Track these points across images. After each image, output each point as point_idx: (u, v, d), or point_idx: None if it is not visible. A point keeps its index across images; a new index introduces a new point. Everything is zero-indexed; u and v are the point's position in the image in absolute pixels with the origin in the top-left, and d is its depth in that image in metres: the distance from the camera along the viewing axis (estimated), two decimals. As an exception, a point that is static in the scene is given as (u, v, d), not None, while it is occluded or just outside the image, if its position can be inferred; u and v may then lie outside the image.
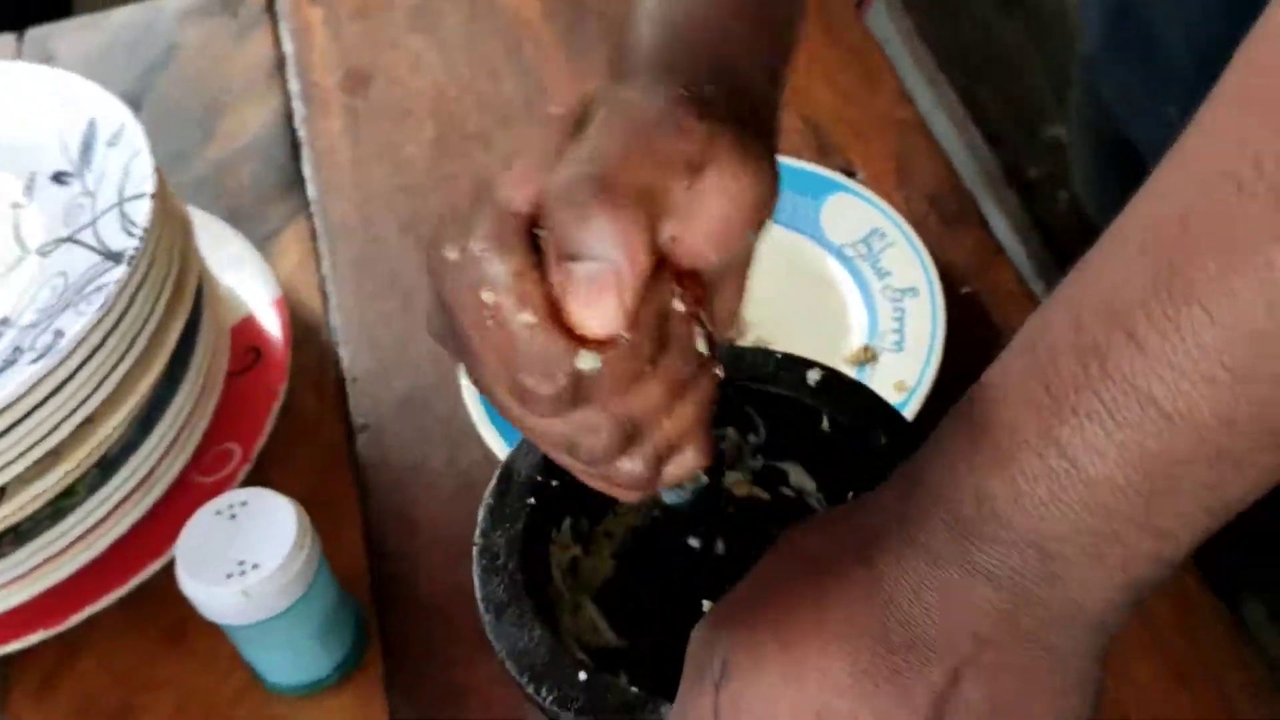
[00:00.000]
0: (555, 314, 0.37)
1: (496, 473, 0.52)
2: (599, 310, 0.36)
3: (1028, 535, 0.38)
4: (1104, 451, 0.36)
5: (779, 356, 0.54)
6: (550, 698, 0.46)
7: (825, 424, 0.53)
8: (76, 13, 1.14)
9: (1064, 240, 1.84)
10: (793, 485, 0.57)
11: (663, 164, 0.37)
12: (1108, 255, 0.38)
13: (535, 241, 0.38)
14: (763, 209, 0.40)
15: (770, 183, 0.40)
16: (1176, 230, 0.36)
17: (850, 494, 0.55)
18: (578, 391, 0.37)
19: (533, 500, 0.52)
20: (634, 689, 0.46)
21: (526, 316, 0.37)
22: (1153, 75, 0.72)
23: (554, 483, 0.52)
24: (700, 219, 0.38)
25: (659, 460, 0.41)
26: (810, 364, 0.54)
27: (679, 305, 0.39)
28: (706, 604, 0.47)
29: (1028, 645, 0.39)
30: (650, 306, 0.37)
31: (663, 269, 0.38)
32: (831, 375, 0.53)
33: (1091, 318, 0.37)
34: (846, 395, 0.53)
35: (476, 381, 0.40)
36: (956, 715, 0.39)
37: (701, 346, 0.39)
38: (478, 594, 0.49)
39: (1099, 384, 0.36)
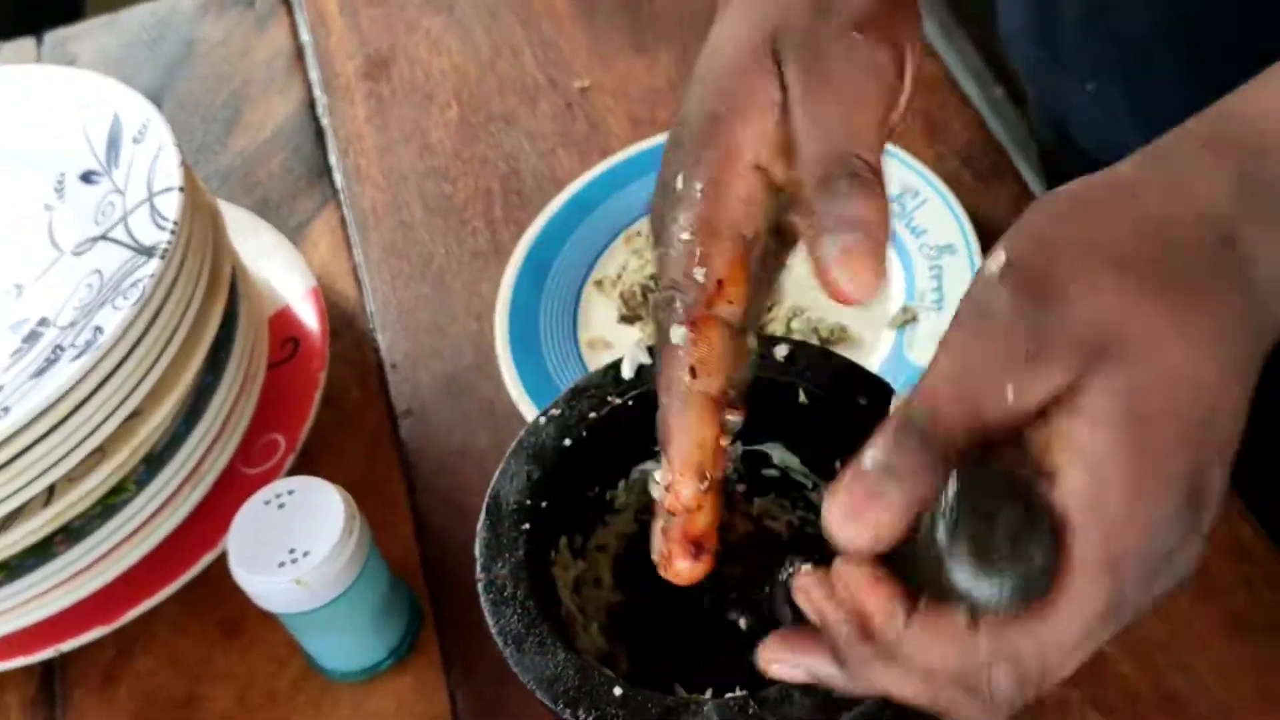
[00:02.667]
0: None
1: (484, 505, 0.52)
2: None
3: None
4: None
5: None
6: (590, 718, 0.45)
7: (802, 396, 0.53)
8: (89, 14, 1.14)
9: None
10: (777, 465, 0.57)
11: None
12: None
13: None
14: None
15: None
16: None
17: (837, 463, 0.54)
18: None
19: (527, 526, 0.51)
20: (670, 697, 0.45)
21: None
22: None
23: (543, 504, 0.52)
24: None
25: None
26: (775, 339, 0.53)
27: None
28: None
29: None
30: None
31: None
32: (799, 347, 0.53)
33: None
34: (818, 364, 0.52)
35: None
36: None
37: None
38: (492, 629, 0.49)
39: None
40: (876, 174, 0.42)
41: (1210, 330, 0.37)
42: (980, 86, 2.06)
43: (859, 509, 0.37)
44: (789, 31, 0.45)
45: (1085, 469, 0.36)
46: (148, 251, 0.63)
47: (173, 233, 0.63)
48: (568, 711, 0.45)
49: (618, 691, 0.45)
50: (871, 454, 0.38)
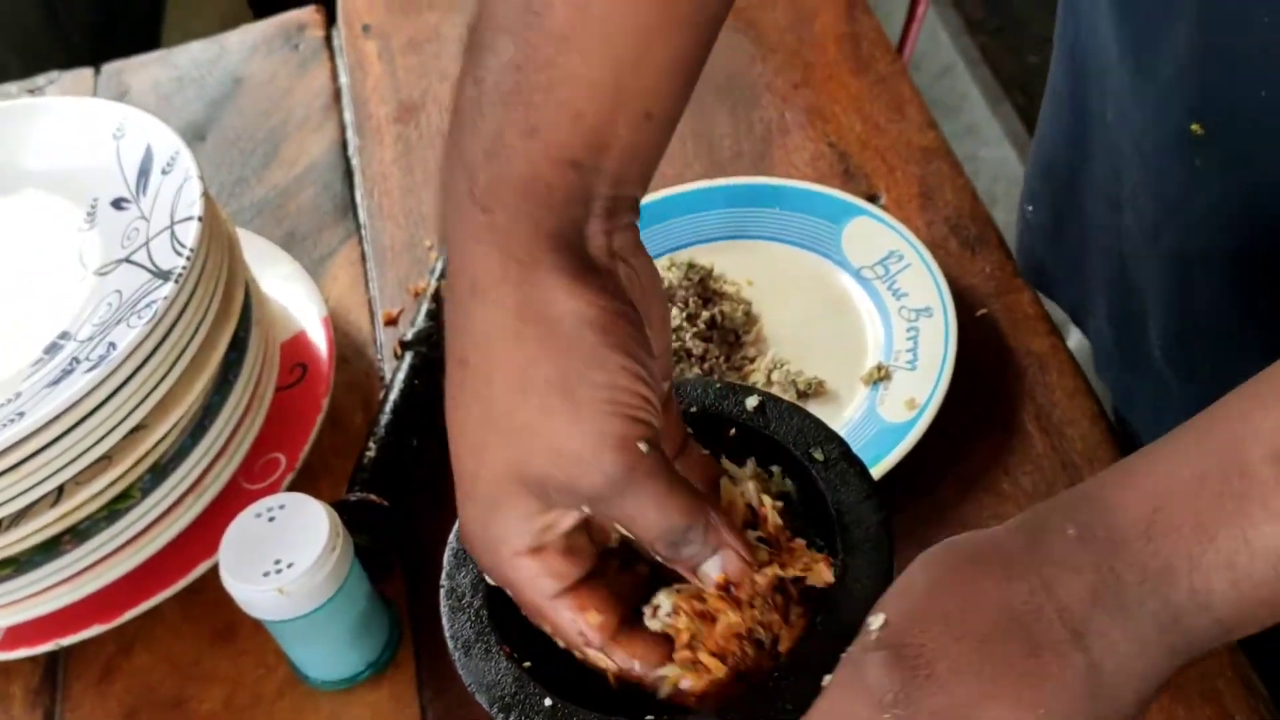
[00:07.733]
0: None
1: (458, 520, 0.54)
2: None
3: (1227, 627, 0.42)
4: None
5: (717, 386, 0.57)
6: None
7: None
8: (164, 43, 1.20)
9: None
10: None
11: None
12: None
13: None
14: None
15: None
16: None
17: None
18: None
19: None
20: (595, 715, 0.48)
21: None
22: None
23: None
24: None
25: None
26: (748, 390, 0.56)
27: None
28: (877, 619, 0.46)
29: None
30: None
31: None
32: (768, 399, 0.56)
33: None
34: (784, 418, 0.55)
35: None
36: None
37: None
38: (446, 632, 0.52)
39: None
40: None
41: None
42: (1020, 153, 2.09)
43: None
44: None
45: None
46: (164, 275, 0.68)
47: (188, 259, 0.68)
48: (501, 716, 0.49)
49: (548, 703, 0.49)
50: None
